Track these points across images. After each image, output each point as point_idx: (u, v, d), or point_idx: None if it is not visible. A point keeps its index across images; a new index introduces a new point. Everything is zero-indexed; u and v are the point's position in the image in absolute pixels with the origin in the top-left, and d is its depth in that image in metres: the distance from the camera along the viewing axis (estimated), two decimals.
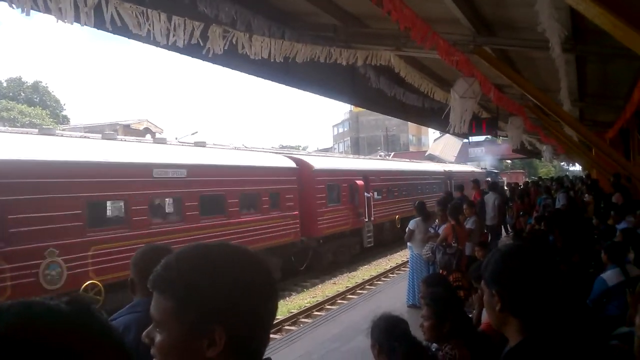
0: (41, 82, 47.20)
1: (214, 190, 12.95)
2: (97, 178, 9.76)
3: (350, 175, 19.42)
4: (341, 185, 18.54)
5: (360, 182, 19.46)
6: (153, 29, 3.50)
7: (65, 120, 45.69)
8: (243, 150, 17.04)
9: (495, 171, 47.93)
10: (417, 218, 9.16)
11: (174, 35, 3.68)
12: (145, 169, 10.92)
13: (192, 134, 26.47)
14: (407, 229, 9.29)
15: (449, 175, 28.69)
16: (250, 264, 1.08)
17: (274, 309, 1.11)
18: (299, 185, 16.35)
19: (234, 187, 13.48)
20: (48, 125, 33.51)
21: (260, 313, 1.06)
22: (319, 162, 18.28)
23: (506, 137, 11.15)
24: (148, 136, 19.55)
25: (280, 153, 18.87)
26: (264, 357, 1.12)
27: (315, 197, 17.01)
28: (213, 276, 1.03)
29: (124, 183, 10.35)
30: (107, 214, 11.80)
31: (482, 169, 43.38)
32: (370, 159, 27.90)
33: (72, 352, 0.73)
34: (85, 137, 11.92)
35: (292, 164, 16.60)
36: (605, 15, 2.00)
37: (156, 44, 3.76)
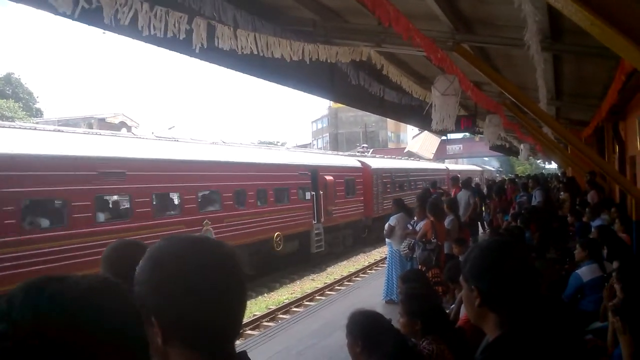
0: (13, 74, 46.25)
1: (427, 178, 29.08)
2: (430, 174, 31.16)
3: (454, 172, 32.25)
4: (454, 177, 33.06)
5: (458, 175, 33.28)
6: (125, 20, 3.42)
7: (38, 113, 44.83)
8: (426, 161, 39.34)
9: (500, 169, 62.81)
10: (397, 214, 9.18)
11: (154, 27, 3.59)
12: (444, 171, 34.98)
13: (169, 128, 26.21)
14: (386, 225, 9.31)
15: (482, 172, 44.15)
16: (205, 261, 1.08)
17: (232, 305, 1.10)
18: (447, 177, 30.88)
19: (429, 177, 29.91)
20: (20, 118, 32.89)
21: (209, 308, 1.05)
22: (451, 167, 38.90)
23: (483, 134, 11.24)
24: (124, 130, 19.36)
25: (438, 161, 43.97)
26: (239, 351, 1.13)
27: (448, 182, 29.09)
28: (153, 269, 1.07)
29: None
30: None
31: (492, 167, 58.61)
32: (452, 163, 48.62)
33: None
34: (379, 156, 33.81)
35: (445, 167, 37.39)
36: (583, 13, 2.00)
37: (136, 35, 3.69)
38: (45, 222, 9.90)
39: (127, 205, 11.60)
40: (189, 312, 1.04)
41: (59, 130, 11.79)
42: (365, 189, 22.89)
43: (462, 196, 12.47)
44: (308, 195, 18.30)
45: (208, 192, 14.05)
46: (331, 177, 19.69)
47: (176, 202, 13.12)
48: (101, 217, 10.91)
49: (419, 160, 38.65)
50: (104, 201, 11.52)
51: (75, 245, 9.94)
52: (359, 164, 23.18)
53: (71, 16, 3.08)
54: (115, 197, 11.88)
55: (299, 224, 17.80)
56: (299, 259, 18.43)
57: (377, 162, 25.90)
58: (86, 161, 10.47)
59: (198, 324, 1.05)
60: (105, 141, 11.85)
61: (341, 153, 28.11)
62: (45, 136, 10.66)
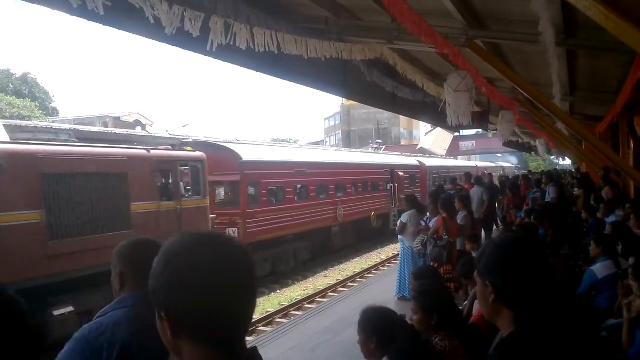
0: (30, 73, 46.76)
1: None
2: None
3: (482, 168, 35.69)
4: (467, 173, 35.22)
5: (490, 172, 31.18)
6: (149, 19, 3.44)
7: (54, 112, 45.27)
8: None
9: (519, 166, 64.92)
10: (410, 211, 9.16)
11: (171, 26, 3.61)
12: (474, 168, 33.63)
13: (183, 126, 26.32)
14: (399, 222, 9.30)
15: (503, 169, 46.46)
16: (215, 257, 1.09)
17: (241, 301, 1.10)
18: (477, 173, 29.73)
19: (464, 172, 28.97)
20: (37, 117, 33.17)
21: (218, 304, 1.06)
22: (480, 164, 41.87)
23: (497, 130, 11.17)
24: (138, 128, 19.56)
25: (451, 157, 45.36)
26: (250, 347, 1.15)
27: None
28: (165, 264, 1.09)
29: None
30: None
31: (512, 164, 61.93)
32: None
33: None
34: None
35: (475, 165, 40.14)
36: (598, 7, 2.00)
37: (153, 35, 3.72)
38: (273, 200, 16.70)
39: (306, 191, 18.60)
40: (198, 307, 1.05)
41: (273, 145, 22.73)
42: (422, 182, 29.31)
43: (475, 192, 12.41)
44: (388, 187, 25.23)
45: (338, 184, 20.83)
46: (402, 173, 26.47)
47: (325, 189, 19.86)
48: (297, 197, 18.04)
49: (451, 158, 44.62)
50: (297, 188, 18.26)
51: (285, 215, 16.83)
52: (417, 163, 30.17)
53: (83, 15, 3.12)
54: (301, 185, 18.51)
55: (384, 207, 24.50)
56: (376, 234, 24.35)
57: (429, 161, 33.04)
58: (291, 164, 17.74)
59: (206, 319, 1.06)
60: (295, 151, 21.17)
61: (405, 153, 35.55)
62: (266, 148, 19.22)
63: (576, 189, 13.42)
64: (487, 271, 1.67)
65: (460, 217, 8.80)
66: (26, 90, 44.18)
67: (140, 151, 11.30)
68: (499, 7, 5.02)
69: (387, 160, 27.29)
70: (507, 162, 60.31)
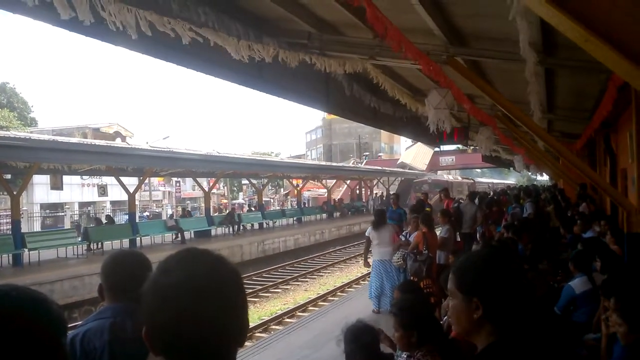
0: (8, 83, 46.18)
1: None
2: None
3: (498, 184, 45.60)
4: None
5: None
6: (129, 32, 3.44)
7: (33, 122, 44.69)
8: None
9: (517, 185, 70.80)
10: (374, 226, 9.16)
11: (150, 37, 3.61)
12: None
13: (164, 138, 26.20)
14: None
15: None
16: (188, 281, 1.06)
17: (213, 326, 1.07)
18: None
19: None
20: (15, 127, 32.70)
21: (186, 322, 1.04)
22: (495, 181, 56.15)
23: (476, 146, 11.30)
24: (118, 140, 19.40)
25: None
26: None
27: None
28: (149, 281, 1.09)
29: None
30: None
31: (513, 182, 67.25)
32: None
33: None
34: None
35: (491, 181, 58.10)
36: (578, 30, 2.05)
37: (132, 46, 3.71)
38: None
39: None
40: (162, 328, 1.04)
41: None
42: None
43: (468, 208, 12.50)
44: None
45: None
46: None
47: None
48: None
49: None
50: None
51: None
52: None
53: (71, 28, 3.11)
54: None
55: None
56: None
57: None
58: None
59: (172, 343, 1.04)
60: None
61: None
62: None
63: (549, 207, 13.61)
64: (473, 287, 1.65)
65: (443, 230, 8.86)
66: (4, 99, 43.58)
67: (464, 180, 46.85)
68: (480, 25, 5.11)
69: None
70: (509, 180, 65.61)
